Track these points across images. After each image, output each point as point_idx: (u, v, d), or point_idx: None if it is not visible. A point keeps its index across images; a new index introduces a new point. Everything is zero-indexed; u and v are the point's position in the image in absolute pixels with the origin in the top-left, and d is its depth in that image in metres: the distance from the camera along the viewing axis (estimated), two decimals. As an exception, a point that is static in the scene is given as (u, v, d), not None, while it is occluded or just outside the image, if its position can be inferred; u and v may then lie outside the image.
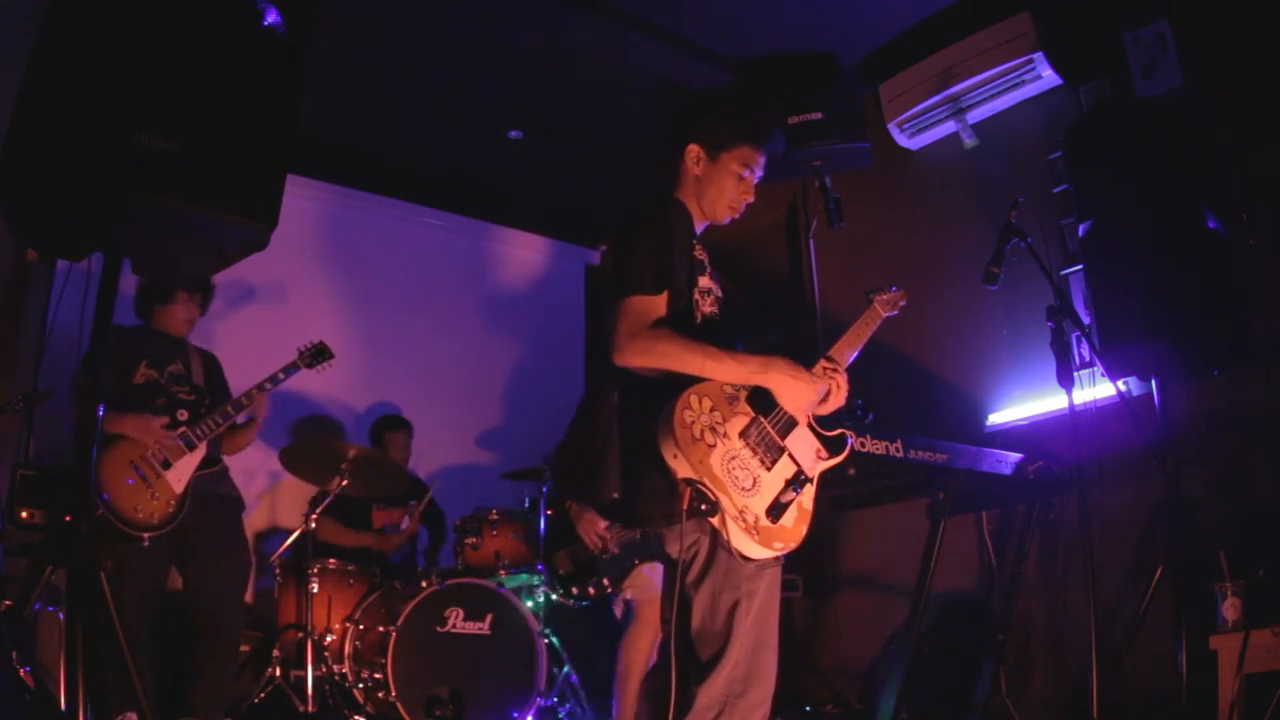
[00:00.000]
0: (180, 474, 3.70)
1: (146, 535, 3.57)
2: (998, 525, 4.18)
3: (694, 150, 2.53)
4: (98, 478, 3.47)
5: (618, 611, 3.98)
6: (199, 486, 3.76)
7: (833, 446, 2.44)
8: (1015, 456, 3.56)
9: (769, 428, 2.33)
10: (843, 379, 2.48)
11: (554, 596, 4.20)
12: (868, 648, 4.39)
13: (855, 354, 2.63)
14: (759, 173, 2.57)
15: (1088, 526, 3.19)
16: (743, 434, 2.28)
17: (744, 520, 2.19)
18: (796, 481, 2.31)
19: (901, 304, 2.83)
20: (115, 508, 3.52)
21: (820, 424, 2.47)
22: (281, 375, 4.01)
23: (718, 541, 2.23)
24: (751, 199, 2.58)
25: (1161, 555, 3.39)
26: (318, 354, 4.18)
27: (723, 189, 2.53)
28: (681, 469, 2.17)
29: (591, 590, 3.91)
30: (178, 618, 3.78)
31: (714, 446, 2.21)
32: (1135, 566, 3.66)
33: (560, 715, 4.37)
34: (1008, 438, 4.20)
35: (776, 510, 2.26)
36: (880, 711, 3.36)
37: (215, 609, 3.78)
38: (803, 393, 2.36)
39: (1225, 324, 3.44)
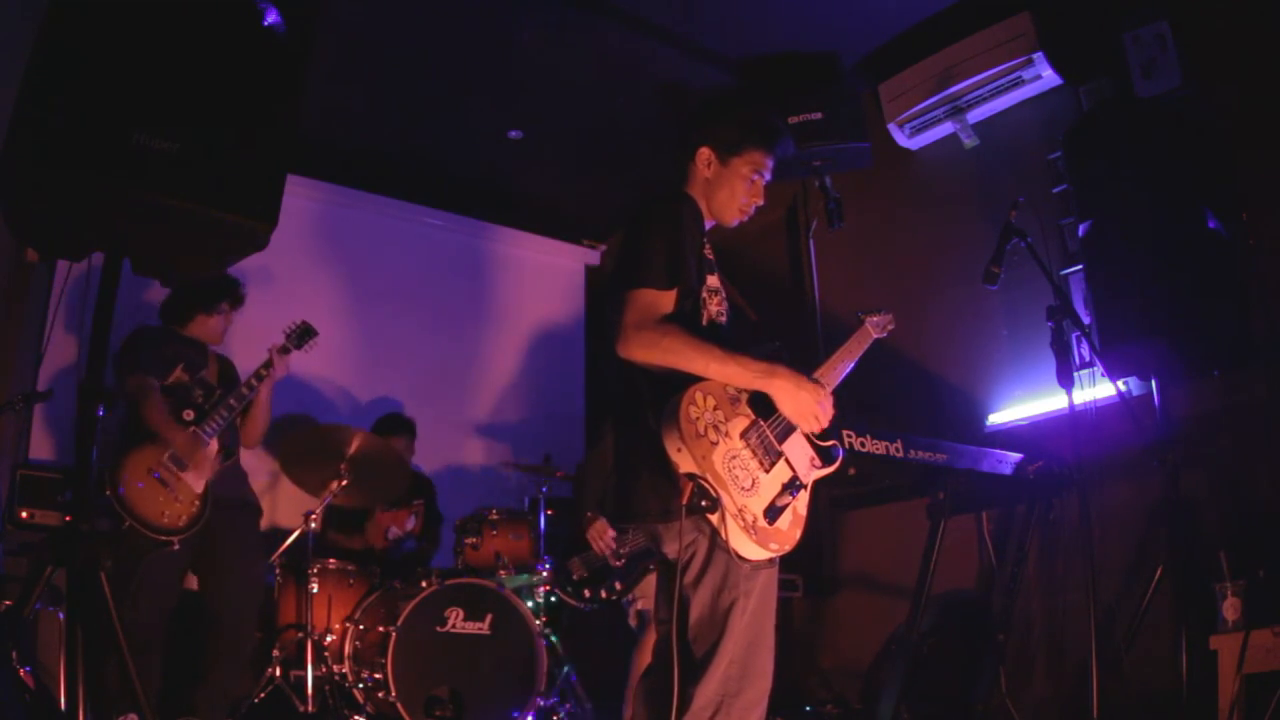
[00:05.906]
0: (197, 473, 3.72)
1: (176, 539, 3.60)
2: (998, 525, 4.18)
3: (705, 153, 2.54)
4: (123, 492, 3.50)
5: (633, 621, 4.03)
6: (218, 486, 3.78)
7: (826, 456, 2.44)
8: (1015, 456, 3.56)
9: (768, 431, 2.33)
10: (828, 402, 2.43)
11: (567, 599, 4.22)
12: (868, 648, 4.39)
13: (845, 374, 2.60)
14: (768, 176, 2.57)
15: (1088, 526, 3.19)
16: (743, 435, 2.29)
17: (743, 519, 2.20)
18: (792, 486, 2.32)
19: (890, 328, 2.81)
20: (142, 516, 3.54)
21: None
22: (274, 359, 4.05)
23: (716, 542, 2.23)
24: (761, 202, 2.59)
25: (1161, 555, 3.38)
26: (303, 334, 4.20)
27: (733, 193, 2.53)
28: (685, 463, 2.18)
29: (604, 594, 3.96)
30: (188, 618, 3.80)
31: (716, 444, 2.22)
32: (1135, 566, 3.66)
33: (560, 715, 4.36)
34: (1008, 438, 4.20)
35: (773, 513, 2.26)
36: (880, 711, 3.35)
37: (229, 614, 3.81)
38: (805, 402, 2.34)
39: (1225, 324, 3.44)
